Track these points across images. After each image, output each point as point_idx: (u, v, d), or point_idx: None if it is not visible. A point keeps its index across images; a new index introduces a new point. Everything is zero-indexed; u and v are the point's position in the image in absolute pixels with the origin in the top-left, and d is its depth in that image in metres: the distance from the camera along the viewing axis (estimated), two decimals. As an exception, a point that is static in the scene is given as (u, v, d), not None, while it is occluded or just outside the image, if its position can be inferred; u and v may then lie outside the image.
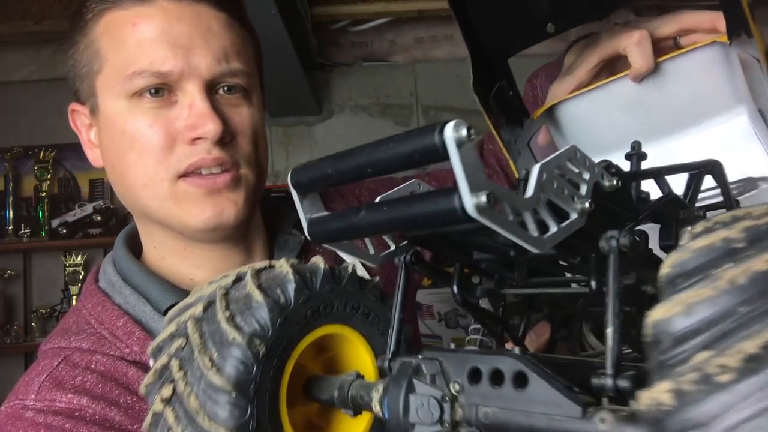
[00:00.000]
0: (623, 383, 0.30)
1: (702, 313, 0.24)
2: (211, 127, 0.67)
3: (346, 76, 3.07)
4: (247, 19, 0.76)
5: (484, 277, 0.45)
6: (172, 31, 0.68)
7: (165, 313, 0.68)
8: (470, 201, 0.28)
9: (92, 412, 0.64)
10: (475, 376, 0.34)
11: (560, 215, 0.33)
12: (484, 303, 0.47)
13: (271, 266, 0.43)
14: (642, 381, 0.29)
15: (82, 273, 2.85)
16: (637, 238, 0.36)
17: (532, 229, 0.31)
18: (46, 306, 2.87)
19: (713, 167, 0.49)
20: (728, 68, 0.58)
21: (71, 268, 2.86)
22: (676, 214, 0.44)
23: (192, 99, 0.68)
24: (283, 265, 0.42)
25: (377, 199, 0.37)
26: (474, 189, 0.28)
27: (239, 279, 0.42)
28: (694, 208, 0.44)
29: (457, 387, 0.35)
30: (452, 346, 0.46)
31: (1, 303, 2.87)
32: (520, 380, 0.32)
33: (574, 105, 0.66)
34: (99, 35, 0.71)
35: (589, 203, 0.34)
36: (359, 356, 0.45)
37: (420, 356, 0.38)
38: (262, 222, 0.81)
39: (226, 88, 0.71)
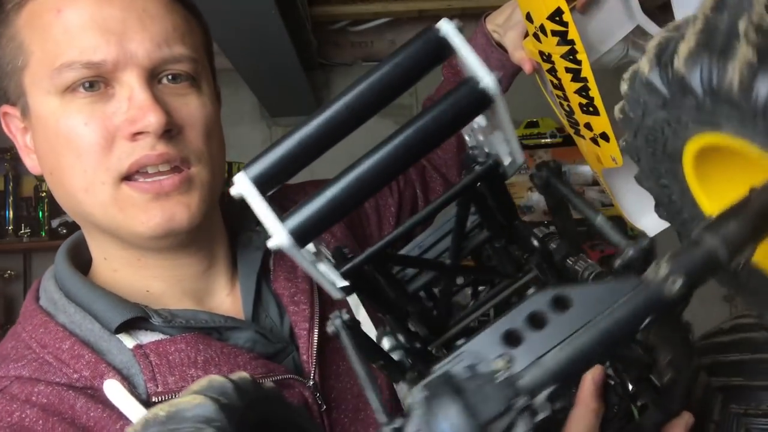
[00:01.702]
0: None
1: None
2: (153, 120, 0.59)
3: (346, 76, 3.07)
4: (193, 4, 0.69)
5: (417, 324, 0.44)
6: (102, 16, 0.60)
7: (116, 330, 0.61)
8: (490, 81, 0.31)
9: None
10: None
11: None
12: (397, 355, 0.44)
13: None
14: None
15: (82, 273, 2.85)
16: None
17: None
18: (46, 306, 2.87)
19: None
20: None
21: (71, 268, 2.86)
22: None
23: (131, 90, 0.60)
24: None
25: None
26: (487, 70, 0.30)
27: None
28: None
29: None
30: None
31: (1, 303, 2.87)
32: (562, 303, 0.31)
33: None
34: (21, 27, 0.62)
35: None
36: None
37: None
38: (222, 221, 0.75)
39: (170, 77, 0.64)
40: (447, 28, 0.31)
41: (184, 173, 0.63)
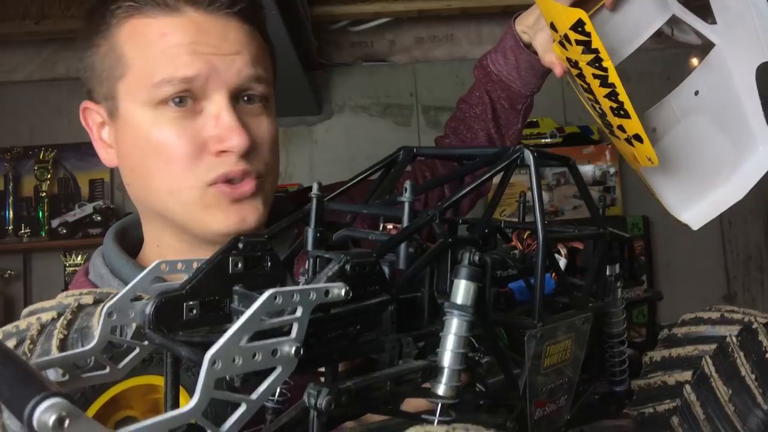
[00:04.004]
0: None
1: None
2: (238, 142, 0.70)
3: (346, 76, 3.07)
4: (267, 31, 0.79)
5: None
6: (200, 41, 0.70)
7: None
8: None
9: None
10: None
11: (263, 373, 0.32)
12: None
13: (97, 301, 0.42)
14: None
15: (82, 273, 2.85)
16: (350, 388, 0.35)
17: (212, 428, 0.30)
18: (46, 306, 2.86)
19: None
20: None
21: (71, 268, 2.86)
22: (453, 254, 0.43)
23: (218, 110, 0.70)
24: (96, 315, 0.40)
25: None
26: None
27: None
28: (467, 248, 0.42)
29: None
30: None
31: (1, 303, 2.87)
32: None
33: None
34: (123, 41, 0.71)
35: (297, 347, 0.32)
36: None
37: None
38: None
39: (246, 98, 0.73)
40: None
41: (256, 181, 0.73)
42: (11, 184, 2.92)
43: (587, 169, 2.96)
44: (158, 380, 0.44)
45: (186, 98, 0.70)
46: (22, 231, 2.88)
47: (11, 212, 2.91)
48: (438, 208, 0.44)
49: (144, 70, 0.70)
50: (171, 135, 0.70)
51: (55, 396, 0.25)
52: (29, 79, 2.97)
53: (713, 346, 0.53)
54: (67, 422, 0.24)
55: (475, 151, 0.59)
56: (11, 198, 2.92)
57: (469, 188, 0.48)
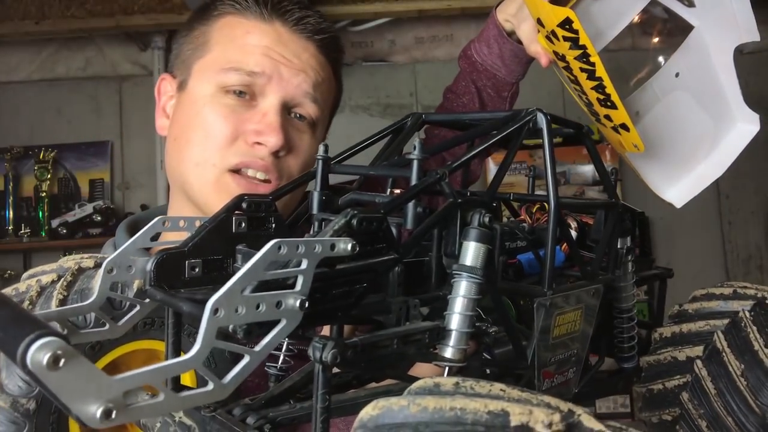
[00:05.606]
0: None
1: None
2: (274, 140, 0.77)
3: (346, 76, 3.05)
4: (340, 71, 0.91)
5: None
6: (276, 49, 0.80)
7: None
8: (90, 414, 0.25)
9: None
10: None
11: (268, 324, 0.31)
12: None
13: (98, 265, 0.44)
14: None
15: (82, 273, 2.84)
16: (356, 346, 0.34)
17: (213, 378, 0.30)
18: (46, 306, 2.86)
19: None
20: None
21: (71, 268, 2.86)
22: (463, 216, 0.42)
23: (268, 109, 0.78)
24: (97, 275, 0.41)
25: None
26: (89, 402, 0.25)
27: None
28: (477, 210, 0.41)
29: None
30: None
31: (1, 303, 2.87)
32: None
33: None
34: (215, 30, 0.82)
35: (302, 300, 0.32)
36: None
37: None
38: None
39: (298, 115, 0.82)
40: (35, 362, 0.25)
41: (274, 184, 0.79)
42: (11, 184, 2.92)
43: (587, 169, 2.96)
44: (159, 345, 0.45)
45: (245, 93, 0.79)
46: (22, 231, 2.88)
47: (11, 212, 2.91)
48: (447, 167, 0.43)
49: (221, 56, 0.82)
50: (219, 116, 0.79)
51: (49, 335, 0.24)
52: (29, 79, 2.97)
53: (725, 321, 0.53)
54: (62, 361, 0.24)
55: (485, 115, 0.58)
56: (11, 198, 2.92)
57: (480, 148, 0.47)
